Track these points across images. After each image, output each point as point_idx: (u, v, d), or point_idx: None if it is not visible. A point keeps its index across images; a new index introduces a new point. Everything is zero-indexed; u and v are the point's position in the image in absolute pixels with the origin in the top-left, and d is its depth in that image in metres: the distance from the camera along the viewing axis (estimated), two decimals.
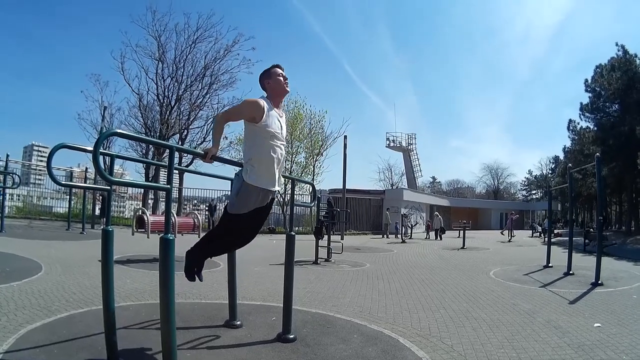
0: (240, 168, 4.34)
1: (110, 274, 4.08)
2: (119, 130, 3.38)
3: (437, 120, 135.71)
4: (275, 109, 4.41)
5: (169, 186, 3.52)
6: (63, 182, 3.52)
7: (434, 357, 4.91)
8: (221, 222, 4.53)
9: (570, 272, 12.13)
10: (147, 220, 10.68)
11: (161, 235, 3.38)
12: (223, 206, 4.71)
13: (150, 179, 28.76)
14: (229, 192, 4.72)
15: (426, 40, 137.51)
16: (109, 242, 4.12)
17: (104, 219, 16.84)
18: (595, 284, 10.31)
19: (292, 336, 5.26)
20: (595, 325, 6.58)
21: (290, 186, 6.49)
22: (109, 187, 4.74)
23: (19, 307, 5.99)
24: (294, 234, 5.61)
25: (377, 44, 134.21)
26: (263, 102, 4.23)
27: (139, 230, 11.43)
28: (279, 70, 4.52)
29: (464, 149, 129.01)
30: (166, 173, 3.53)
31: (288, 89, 4.58)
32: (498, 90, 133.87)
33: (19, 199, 26.15)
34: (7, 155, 13.38)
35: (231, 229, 4.40)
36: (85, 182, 21.42)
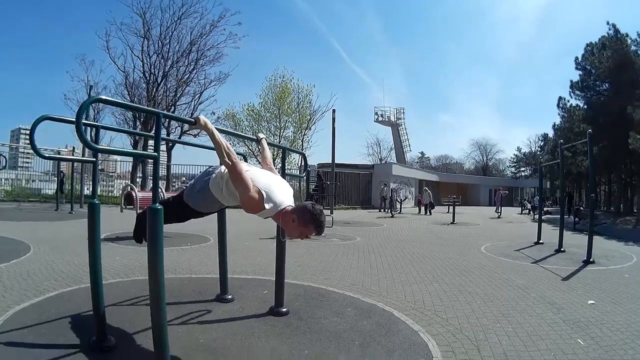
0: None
1: (97, 250, 3.95)
2: (103, 97, 3.21)
3: (425, 99, 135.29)
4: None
5: (156, 154, 3.38)
6: (47, 155, 3.33)
7: (430, 330, 4.85)
8: (173, 203, 4.23)
9: (562, 249, 12.16)
10: (136, 196, 10.56)
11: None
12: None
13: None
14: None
15: (414, 20, 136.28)
16: (96, 216, 3.95)
17: (62, 193, 16.62)
18: (587, 261, 10.31)
19: (284, 309, 5.20)
20: (589, 302, 6.57)
21: (281, 156, 6.40)
22: (94, 159, 4.58)
23: (7, 289, 5.87)
24: None
25: (365, 23, 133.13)
26: (264, 206, 3.49)
27: (127, 207, 11.31)
28: (311, 233, 3.67)
29: (452, 125, 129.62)
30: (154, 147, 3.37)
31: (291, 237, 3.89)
32: (486, 71, 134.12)
33: (7, 183, 25.84)
34: None
35: (180, 214, 4.15)
36: (72, 169, 21.15)
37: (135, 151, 3.98)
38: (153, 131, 3.47)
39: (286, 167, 6.23)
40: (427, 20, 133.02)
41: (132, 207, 10.92)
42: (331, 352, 4.03)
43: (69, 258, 8.17)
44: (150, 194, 3.71)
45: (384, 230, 17.81)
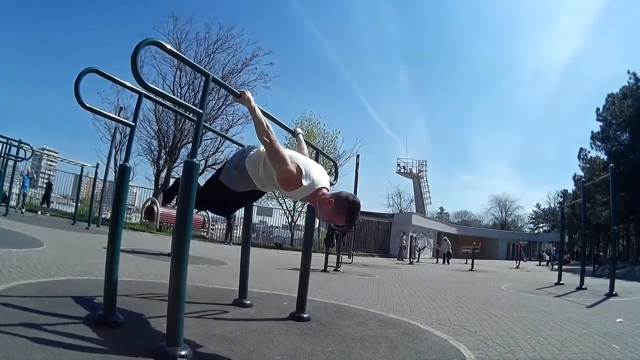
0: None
1: (121, 215, 3.93)
2: (160, 40, 3.10)
3: (448, 155, 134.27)
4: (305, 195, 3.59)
5: (200, 111, 3.40)
6: (87, 105, 3.38)
7: (459, 339, 4.68)
8: (212, 183, 4.08)
9: (583, 286, 12.05)
10: (157, 210, 10.52)
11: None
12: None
13: (160, 186, 28.58)
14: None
15: (440, 76, 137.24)
16: (125, 179, 3.99)
17: (47, 206, 16.33)
18: (610, 294, 10.31)
19: (306, 315, 4.99)
20: (618, 320, 6.57)
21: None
22: (133, 124, 4.56)
23: (14, 267, 5.81)
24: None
25: (392, 77, 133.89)
26: (301, 182, 3.43)
27: (146, 220, 11.26)
28: (341, 222, 3.55)
29: (473, 183, 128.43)
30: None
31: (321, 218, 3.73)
32: (510, 127, 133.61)
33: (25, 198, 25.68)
34: (20, 139, 13.32)
35: (219, 196, 4.04)
36: (93, 188, 21.16)
37: (181, 101, 3.98)
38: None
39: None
40: (453, 76, 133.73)
41: (152, 220, 10.88)
42: (357, 351, 3.81)
43: (81, 257, 8.10)
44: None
45: (403, 272, 17.58)
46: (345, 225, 3.68)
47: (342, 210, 3.43)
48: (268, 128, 3.48)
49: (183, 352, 2.99)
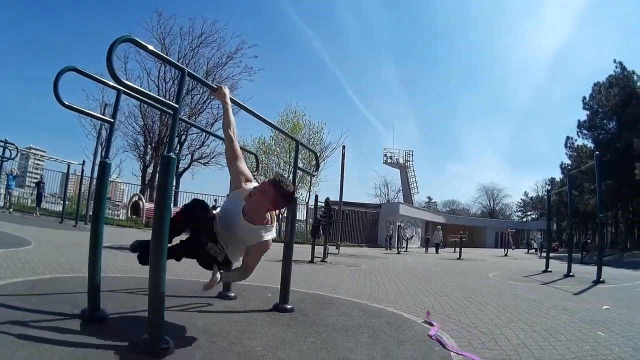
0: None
1: (102, 212, 4.03)
2: (135, 38, 3.13)
3: (435, 146, 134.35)
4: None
5: (177, 105, 3.42)
6: (66, 103, 3.43)
7: (443, 327, 4.66)
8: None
9: (571, 274, 12.10)
10: (143, 206, 10.44)
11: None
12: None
13: (147, 182, 28.46)
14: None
15: (428, 69, 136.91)
16: (106, 176, 4.01)
17: (38, 207, 16.14)
18: (597, 281, 10.34)
19: (289, 306, 4.99)
20: (604, 307, 6.56)
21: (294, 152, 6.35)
22: (112, 120, 4.55)
23: (1, 266, 5.83)
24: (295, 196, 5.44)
25: (379, 69, 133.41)
26: (248, 176, 4.01)
27: (132, 216, 11.18)
28: (277, 195, 3.69)
29: (461, 173, 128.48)
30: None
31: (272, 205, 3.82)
32: (497, 118, 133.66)
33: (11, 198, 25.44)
34: (6, 139, 13.27)
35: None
36: (80, 186, 21.09)
37: (158, 97, 3.99)
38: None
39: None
40: (441, 67, 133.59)
41: (137, 216, 10.78)
42: (339, 340, 3.82)
43: (68, 255, 8.08)
44: None
45: (390, 261, 17.55)
46: (282, 196, 3.72)
47: (271, 183, 3.69)
48: (235, 128, 4.06)
49: (164, 345, 3.01)
